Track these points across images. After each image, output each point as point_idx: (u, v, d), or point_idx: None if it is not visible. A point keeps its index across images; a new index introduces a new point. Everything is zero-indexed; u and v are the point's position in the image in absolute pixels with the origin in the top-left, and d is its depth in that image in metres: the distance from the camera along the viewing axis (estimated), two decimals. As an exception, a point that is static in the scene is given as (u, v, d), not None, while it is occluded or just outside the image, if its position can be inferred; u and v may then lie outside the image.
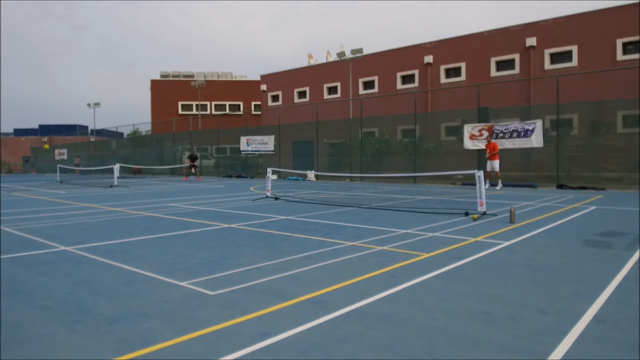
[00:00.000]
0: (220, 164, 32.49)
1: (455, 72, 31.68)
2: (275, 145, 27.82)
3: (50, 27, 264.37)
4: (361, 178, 22.99)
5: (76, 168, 35.14)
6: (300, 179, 24.91)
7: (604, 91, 21.53)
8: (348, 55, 30.52)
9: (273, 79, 44.03)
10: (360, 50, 30.01)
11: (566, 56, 27.18)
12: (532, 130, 17.44)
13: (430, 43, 32.82)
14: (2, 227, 8.18)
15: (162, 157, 35.51)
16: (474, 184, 9.34)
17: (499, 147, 18.37)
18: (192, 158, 27.19)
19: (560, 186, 16.69)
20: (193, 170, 27.04)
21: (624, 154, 16.82)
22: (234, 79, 61.86)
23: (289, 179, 25.22)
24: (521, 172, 19.65)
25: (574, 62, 26.65)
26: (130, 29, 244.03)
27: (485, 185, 15.47)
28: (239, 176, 29.13)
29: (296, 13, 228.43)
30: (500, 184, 16.70)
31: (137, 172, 35.09)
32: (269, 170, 13.88)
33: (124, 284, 4.44)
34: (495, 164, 16.71)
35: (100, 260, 5.52)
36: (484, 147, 18.79)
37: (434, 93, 31.19)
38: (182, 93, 57.32)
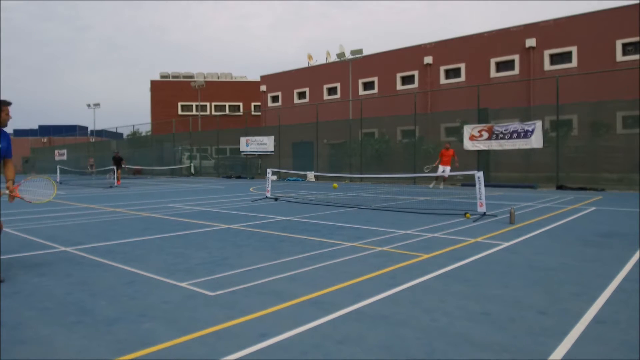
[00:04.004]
0: (219, 165, 32.48)
1: (455, 72, 31.71)
2: (275, 146, 27.82)
3: (51, 28, 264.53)
4: (361, 179, 22.99)
5: (90, 169, 34.33)
6: (300, 179, 24.91)
7: (604, 92, 21.54)
8: (348, 56, 30.55)
9: (273, 80, 44.07)
10: (359, 51, 30.03)
11: (566, 57, 27.21)
12: (532, 131, 17.44)
13: (430, 44, 32.85)
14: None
15: (162, 157, 35.52)
16: (474, 185, 9.34)
17: (499, 147, 18.45)
18: (117, 160, 23.72)
19: (560, 187, 16.70)
20: (116, 173, 23.07)
21: (624, 155, 16.82)
22: (233, 79, 61.92)
23: (289, 180, 25.22)
24: (521, 173, 19.65)
25: (574, 62, 26.68)
26: (132, 30, 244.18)
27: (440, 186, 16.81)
28: (239, 177, 29.13)
29: (297, 14, 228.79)
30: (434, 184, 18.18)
31: (137, 173, 35.06)
32: (269, 170, 13.87)
33: (124, 285, 4.43)
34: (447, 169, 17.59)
35: (99, 260, 5.52)
36: (483, 148, 18.83)
37: (434, 94, 31.21)
38: (182, 94, 57.36)
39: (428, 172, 17.78)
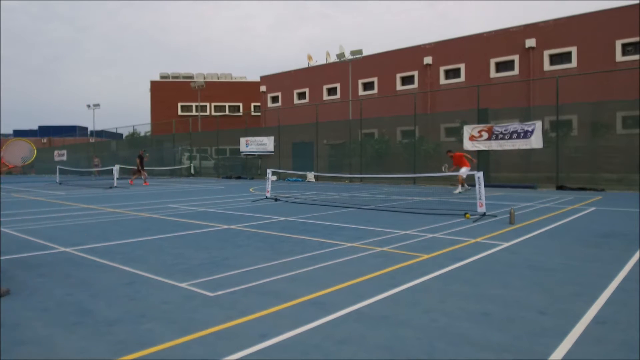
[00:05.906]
0: (219, 165, 32.47)
1: (455, 73, 31.71)
2: (274, 147, 27.82)
3: (52, 29, 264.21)
4: (361, 179, 22.99)
5: (95, 169, 33.63)
6: (300, 180, 24.91)
7: (604, 92, 21.55)
8: (347, 56, 30.57)
9: (273, 80, 44.08)
10: (359, 52, 30.05)
11: (565, 57, 27.22)
12: (532, 132, 17.44)
13: (429, 44, 32.86)
14: (2, 229, 8.17)
15: (162, 158, 35.49)
16: (474, 185, 9.35)
17: (499, 148, 18.44)
18: (140, 158, 23.61)
19: (560, 187, 16.70)
20: (140, 173, 23.37)
21: (624, 155, 16.82)
22: (233, 80, 61.93)
23: (289, 180, 25.22)
24: (521, 173, 19.65)
25: (574, 63, 26.68)
26: (132, 30, 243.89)
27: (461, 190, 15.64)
28: (239, 177, 29.12)
29: (297, 14, 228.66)
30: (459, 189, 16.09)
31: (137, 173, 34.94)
32: (269, 171, 13.87)
33: (124, 285, 4.43)
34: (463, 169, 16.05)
35: (99, 261, 5.52)
36: (483, 148, 18.83)
37: (434, 94, 31.22)
38: (182, 94, 57.36)
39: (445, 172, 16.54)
